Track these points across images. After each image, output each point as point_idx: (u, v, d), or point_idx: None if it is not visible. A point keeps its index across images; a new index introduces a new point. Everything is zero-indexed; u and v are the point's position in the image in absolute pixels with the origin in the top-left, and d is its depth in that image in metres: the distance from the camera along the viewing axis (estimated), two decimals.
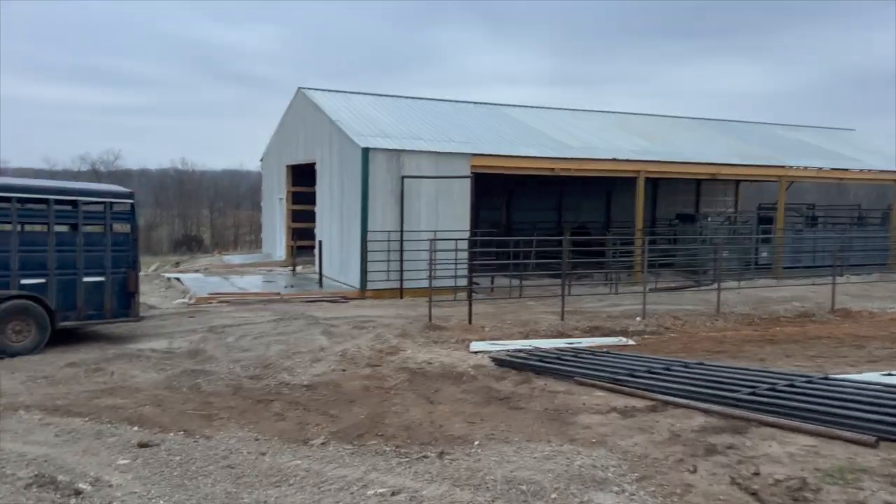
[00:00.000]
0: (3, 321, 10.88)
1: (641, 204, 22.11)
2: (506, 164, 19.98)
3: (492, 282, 19.28)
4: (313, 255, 20.40)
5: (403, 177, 18.38)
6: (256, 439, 6.65)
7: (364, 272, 18.15)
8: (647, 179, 22.63)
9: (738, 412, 7.34)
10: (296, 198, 25.58)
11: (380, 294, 18.07)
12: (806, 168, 25.13)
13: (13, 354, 10.83)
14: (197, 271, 23.98)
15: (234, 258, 29.50)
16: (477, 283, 18.23)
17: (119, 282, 12.17)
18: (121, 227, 12.51)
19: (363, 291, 18.19)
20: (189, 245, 50.12)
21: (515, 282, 18.47)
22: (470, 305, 14.33)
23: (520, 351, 11.24)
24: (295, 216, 25.44)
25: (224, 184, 67.05)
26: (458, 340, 12.42)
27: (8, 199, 11.18)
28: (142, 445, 6.30)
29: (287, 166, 25.80)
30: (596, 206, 30.09)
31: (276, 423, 7.23)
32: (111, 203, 12.26)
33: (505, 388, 8.65)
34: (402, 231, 18.33)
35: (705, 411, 7.51)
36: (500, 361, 10.13)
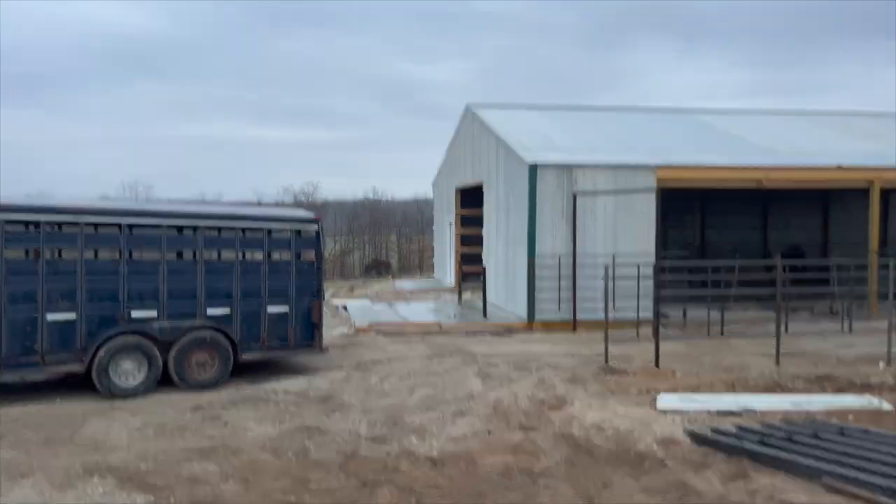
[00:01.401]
0: (187, 353, 10.28)
1: (876, 220, 18.03)
2: (698, 175, 17.06)
3: (684, 314, 16.29)
4: (481, 282, 18.76)
5: (576, 193, 16.11)
6: None
7: (531, 301, 16.13)
8: (882, 191, 18.45)
9: None
10: (464, 221, 24.40)
11: (549, 326, 15.91)
12: None
13: (196, 388, 10.16)
14: (366, 297, 23.32)
15: (406, 284, 28.82)
16: (665, 316, 15.41)
17: (303, 312, 11.34)
18: (306, 254, 11.76)
19: (530, 323, 16.15)
20: (378, 269, 51.38)
21: (714, 314, 15.34)
22: (657, 344, 11.84)
23: (727, 415, 8.49)
24: (464, 240, 24.34)
25: (411, 210, 69.08)
26: (640, 391, 9.99)
27: (196, 228, 10.80)
28: None
29: (456, 189, 24.62)
30: (809, 223, 25.61)
31: None
32: (298, 230, 11.52)
33: (709, 490, 6.00)
34: (574, 254, 16.07)
35: None
36: (699, 438, 7.40)
